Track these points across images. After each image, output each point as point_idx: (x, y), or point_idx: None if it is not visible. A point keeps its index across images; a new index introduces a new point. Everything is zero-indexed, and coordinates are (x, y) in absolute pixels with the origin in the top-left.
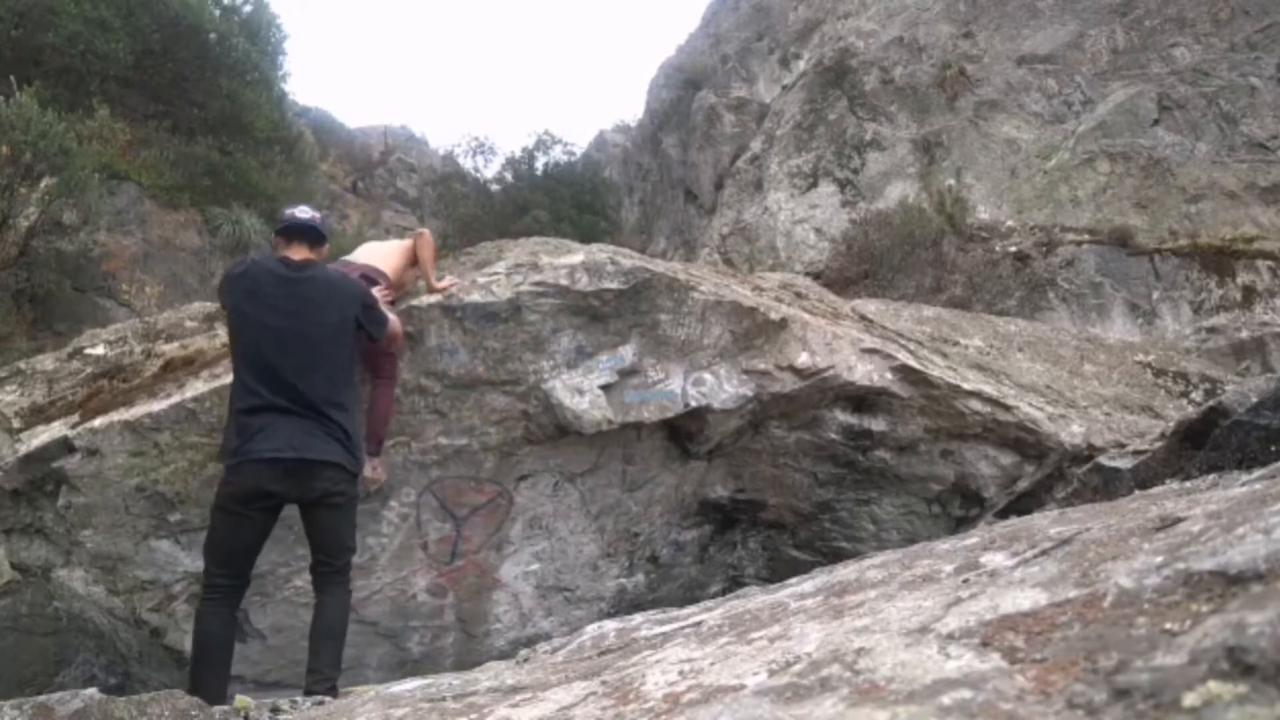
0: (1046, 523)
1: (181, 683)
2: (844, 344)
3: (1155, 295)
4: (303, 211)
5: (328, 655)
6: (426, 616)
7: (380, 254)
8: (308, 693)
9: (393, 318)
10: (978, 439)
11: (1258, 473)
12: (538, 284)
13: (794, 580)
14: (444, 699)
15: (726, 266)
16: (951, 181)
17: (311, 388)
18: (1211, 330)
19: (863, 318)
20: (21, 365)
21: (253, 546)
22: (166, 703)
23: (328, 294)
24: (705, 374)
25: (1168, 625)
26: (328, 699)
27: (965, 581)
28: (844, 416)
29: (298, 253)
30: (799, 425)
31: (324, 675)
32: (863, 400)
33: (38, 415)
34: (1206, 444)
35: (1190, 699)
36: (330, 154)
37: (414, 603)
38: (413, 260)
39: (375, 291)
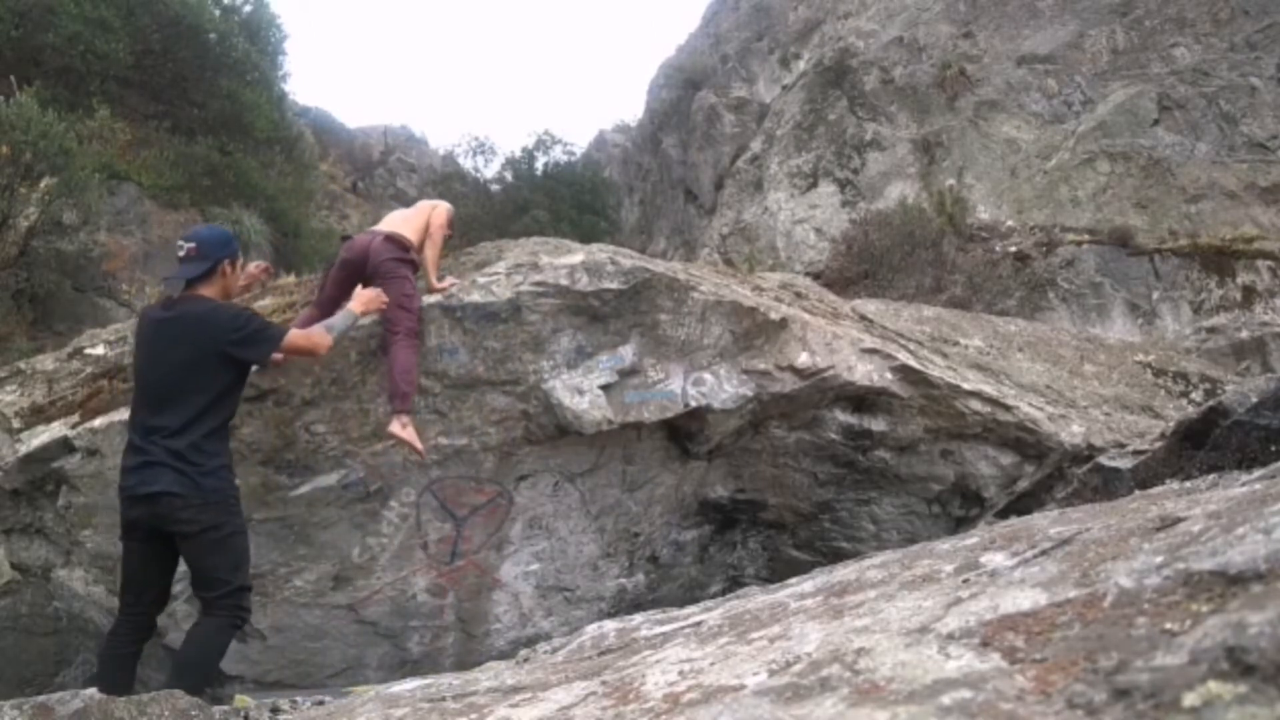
0: (1046, 523)
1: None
2: (844, 344)
3: (1155, 295)
4: (179, 247)
5: (181, 682)
6: (426, 616)
7: (402, 219)
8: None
9: (293, 332)
10: (978, 439)
11: (1258, 473)
12: (538, 284)
13: (794, 580)
14: (444, 699)
15: (726, 266)
16: (951, 181)
17: (161, 422)
18: (1211, 330)
19: (863, 318)
20: (21, 365)
21: (137, 576)
22: (166, 703)
23: (183, 331)
24: (705, 374)
25: (1168, 625)
26: (327, 699)
27: (965, 581)
28: (844, 416)
29: (177, 289)
30: (799, 425)
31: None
32: (863, 400)
33: (38, 415)
34: (1206, 444)
35: (1190, 699)
36: (330, 154)
37: (414, 603)
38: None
39: (395, 257)
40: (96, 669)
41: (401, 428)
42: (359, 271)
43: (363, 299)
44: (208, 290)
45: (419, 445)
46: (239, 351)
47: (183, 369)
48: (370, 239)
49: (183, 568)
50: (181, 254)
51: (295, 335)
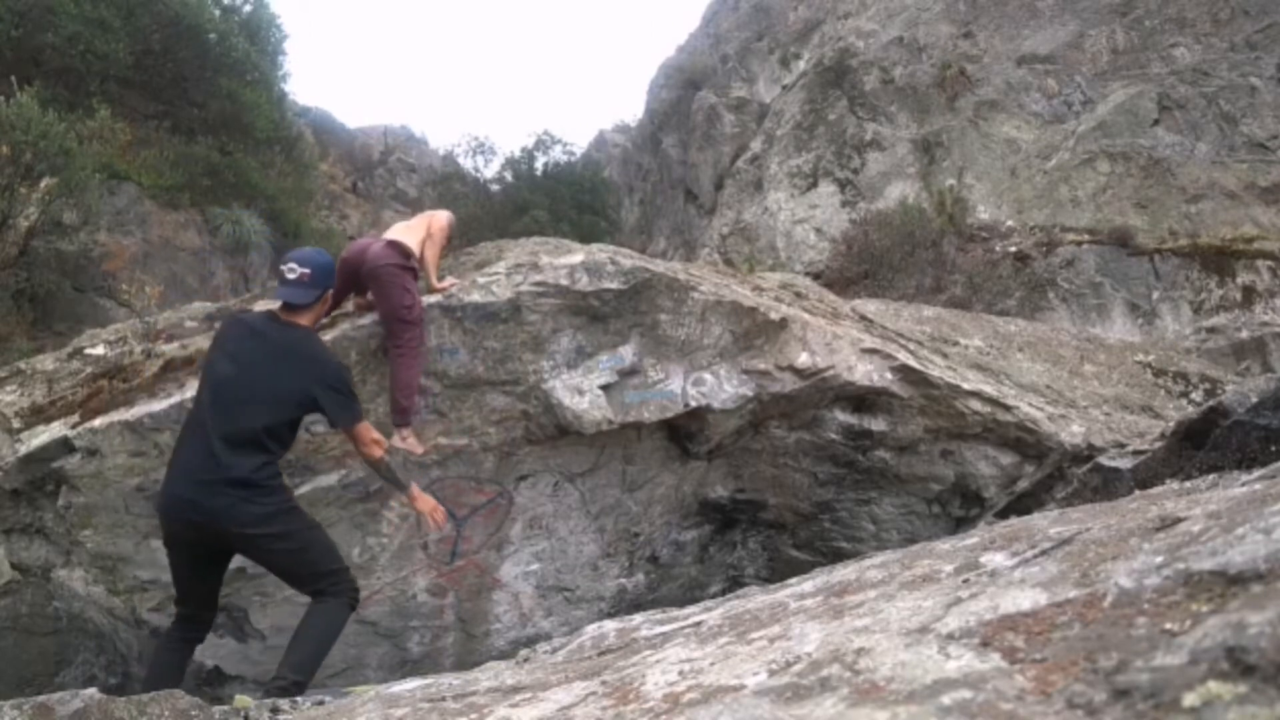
0: (1046, 523)
1: (181, 683)
2: (844, 344)
3: (1155, 295)
4: (288, 269)
5: (292, 656)
6: (426, 616)
7: (405, 228)
8: (266, 692)
9: (367, 424)
10: (978, 439)
11: (1258, 473)
12: (538, 284)
13: (794, 580)
14: (444, 699)
15: (726, 266)
16: (952, 181)
17: (230, 433)
18: (1211, 330)
19: (863, 318)
20: (21, 365)
21: (185, 582)
22: (166, 703)
23: (286, 355)
24: (705, 374)
25: (1168, 625)
26: (327, 698)
27: (965, 581)
28: (844, 416)
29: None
30: (799, 425)
31: (281, 676)
32: (863, 400)
33: (38, 415)
34: (1206, 444)
35: (1190, 699)
36: (330, 154)
37: (414, 603)
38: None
39: (395, 264)
40: (147, 667)
41: (402, 440)
42: (356, 273)
43: (422, 502)
44: (306, 318)
45: (419, 450)
46: (327, 403)
47: (271, 390)
48: (371, 242)
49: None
50: (292, 276)
51: (367, 427)
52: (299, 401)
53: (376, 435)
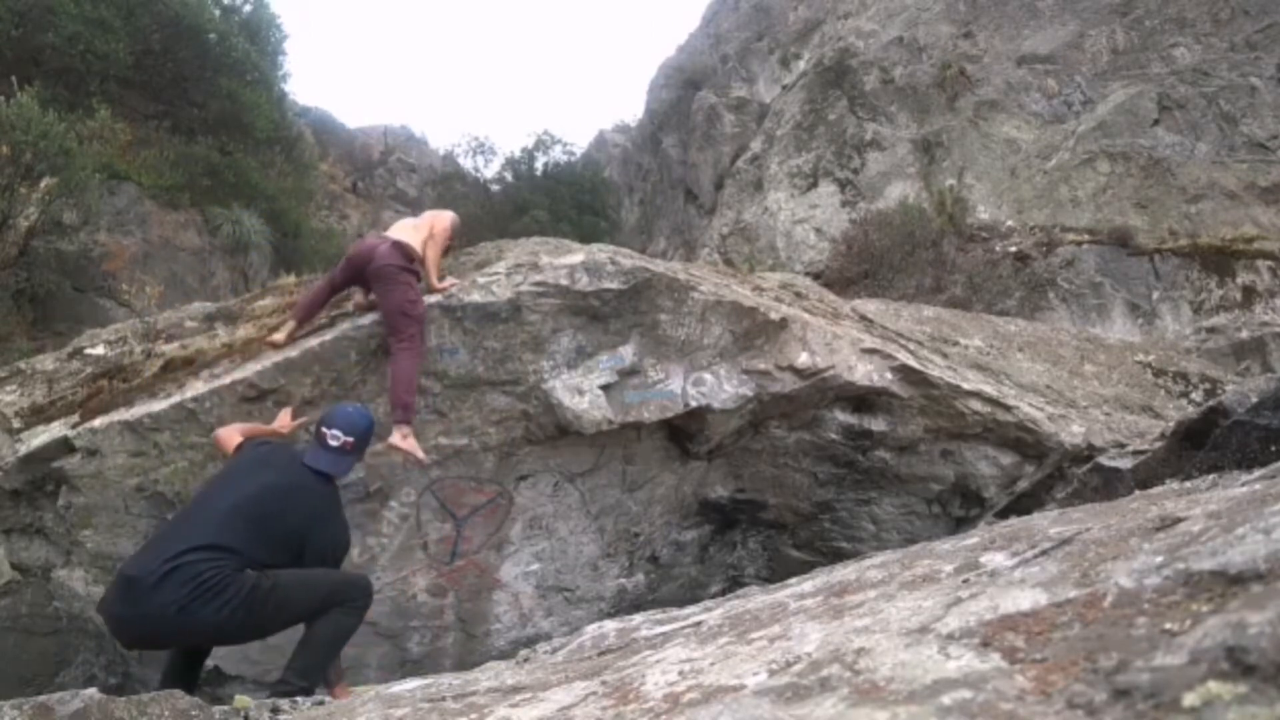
0: (1046, 523)
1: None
2: (844, 344)
3: (1155, 295)
4: (332, 435)
5: (298, 661)
6: (426, 616)
7: (411, 227)
8: (271, 694)
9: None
10: (978, 439)
11: (1258, 473)
12: (538, 284)
13: (794, 580)
14: (444, 699)
15: (726, 266)
16: (952, 181)
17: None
18: (1211, 330)
19: (863, 318)
20: (21, 365)
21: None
22: (166, 703)
23: (302, 505)
24: (705, 374)
25: (1168, 625)
26: (327, 699)
27: (965, 581)
28: (844, 416)
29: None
30: (799, 425)
31: (286, 680)
32: (863, 400)
33: (38, 415)
34: (1206, 444)
35: (1190, 699)
36: (330, 154)
37: (414, 603)
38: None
39: (398, 264)
40: (165, 670)
41: (402, 438)
42: (360, 271)
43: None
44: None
45: (420, 455)
46: (311, 549)
47: (276, 522)
48: (378, 242)
49: None
50: (335, 445)
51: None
52: (295, 542)
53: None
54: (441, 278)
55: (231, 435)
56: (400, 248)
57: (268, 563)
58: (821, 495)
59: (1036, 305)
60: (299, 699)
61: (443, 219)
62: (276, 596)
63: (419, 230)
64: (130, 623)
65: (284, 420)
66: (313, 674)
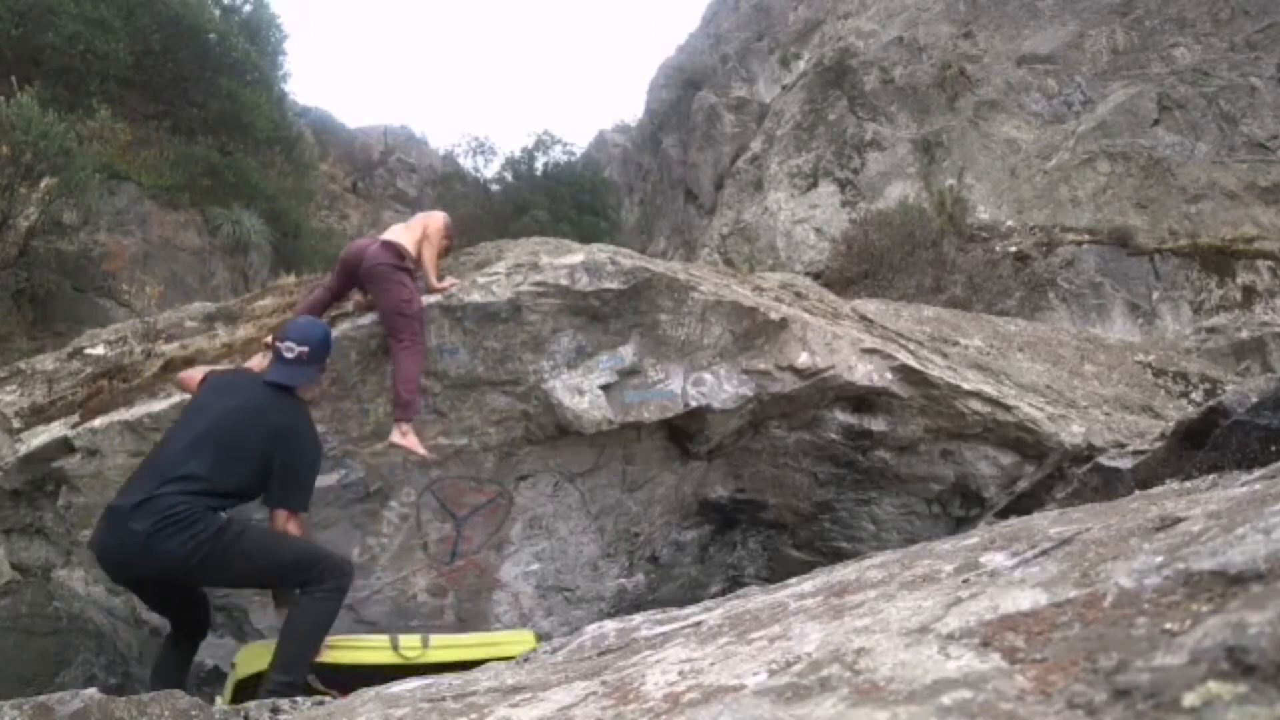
0: (1046, 523)
1: (181, 683)
2: (844, 344)
3: (1155, 295)
4: (286, 348)
5: (278, 657)
6: (426, 616)
7: (403, 229)
8: (261, 696)
9: (290, 520)
10: (978, 439)
11: (1258, 473)
12: (538, 284)
13: (794, 580)
14: (444, 699)
15: (726, 266)
16: (952, 181)
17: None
18: (1211, 330)
19: (863, 318)
20: (21, 365)
21: (158, 608)
22: (166, 703)
23: (268, 425)
24: (705, 374)
25: (1168, 625)
26: (327, 699)
27: (965, 581)
28: (844, 416)
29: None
30: (799, 425)
31: (270, 681)
32: (863, 400)
33: (38, 415)
34: (1206, 444)
35: (1190, 699)
36: (330, 154)
37: (414, 603)
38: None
39: (389, 264)
40: (153, 667)
41: (402, 435)
42: (353, 272)
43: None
44: (308, 391)
45: (421, 450)
46: (280, 464)
47: (241, 444)
48: (369, 243)
49: None
50: (291, 356)
51: (284, 518)
52: (260, 457)
53: (289, 527)
54: (441, 278)
55: (194, 373)
56: (391, 247)
57: (239, 488)
58: (821, 495)
59: (1036, 305)
60: (299, 699)
61: (435, 219)
62: (241, 544)
63: (411, 231)
64: (109, 551)
65: (254, 363)
66: (297, 667)
